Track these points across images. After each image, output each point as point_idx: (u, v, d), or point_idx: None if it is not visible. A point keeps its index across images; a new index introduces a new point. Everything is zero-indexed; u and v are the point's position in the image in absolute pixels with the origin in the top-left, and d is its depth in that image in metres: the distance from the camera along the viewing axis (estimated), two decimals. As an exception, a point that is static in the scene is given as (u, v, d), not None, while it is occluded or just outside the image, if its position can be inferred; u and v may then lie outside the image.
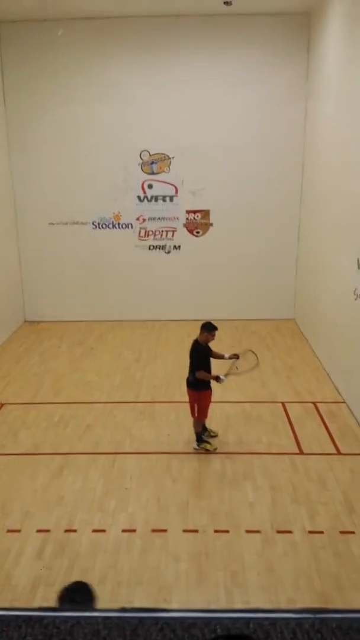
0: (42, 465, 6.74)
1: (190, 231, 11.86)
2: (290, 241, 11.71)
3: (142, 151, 11.41)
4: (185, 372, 6.96)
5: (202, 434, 7.06)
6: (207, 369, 6.83)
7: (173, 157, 11.43)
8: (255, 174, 11.39)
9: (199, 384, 6.78)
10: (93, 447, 7.16)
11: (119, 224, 11.83)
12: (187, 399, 7.00)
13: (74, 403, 8.39)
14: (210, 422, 7.50)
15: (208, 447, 6.98)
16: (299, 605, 4.57)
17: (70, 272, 11.99)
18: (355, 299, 7.74)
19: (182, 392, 8.52)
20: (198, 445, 6.99)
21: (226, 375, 6.83)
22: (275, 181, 11.41)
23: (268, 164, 11.35)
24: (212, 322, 6.89)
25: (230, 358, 6.95)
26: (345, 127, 8.38)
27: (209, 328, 6.79)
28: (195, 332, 11.24)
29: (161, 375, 9.22)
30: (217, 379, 6.72)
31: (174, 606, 4.63)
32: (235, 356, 6.96)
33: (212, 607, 4.59)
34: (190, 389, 6.88)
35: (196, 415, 6.92)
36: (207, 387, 6.87)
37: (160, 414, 7.98)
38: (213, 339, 6.87)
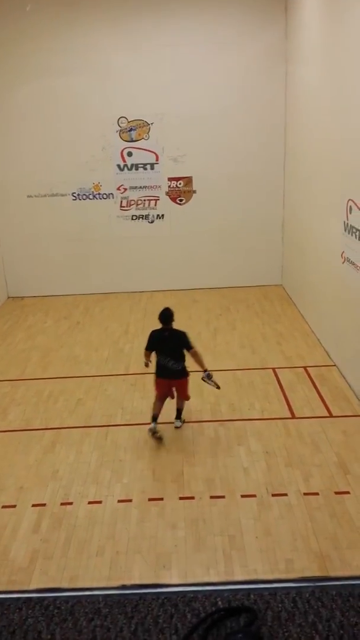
0: (34, 441, 6.72)
1: (173, 199, 11.69)
2: (275, 206, 11.59)
3: (120, 118, 11.14)
4: None
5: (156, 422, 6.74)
6: None
7: (152, 124, 11.18)
8: (237, 140, 11.19)
9: (185, 367, 6.58)
10: (85, 421, 7.14)
11: (99, 194, 11.61)
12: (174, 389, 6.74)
13: (63, 378, 8.34)
14: (202, 391, 7.51)
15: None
16: (297, 566, 4.63)
17: (52, 245, 11.79)
18: (343, 262, 7.71)
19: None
20: (180, 420, 6.90)
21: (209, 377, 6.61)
22: (258, 146, 11.23)
23: (250, 129, 11.14)
24: (168, 309, 6.59)
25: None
26: (327, 89, 8.22)
27: (168, 317, 6.50)
28: (183, 302, 11.28)
29: (150, 346, 9.17)
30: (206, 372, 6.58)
31: (174, 573, 4.67)
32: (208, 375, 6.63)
33: (212, 572, 4.64)
34: (185, 377, 6.61)
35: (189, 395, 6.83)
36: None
37: (151, 385, 7.94)
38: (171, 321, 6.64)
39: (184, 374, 6.59)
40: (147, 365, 6.75)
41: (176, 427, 6.82)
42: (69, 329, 10.31)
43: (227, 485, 5.74)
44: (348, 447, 6.27)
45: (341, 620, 1.01)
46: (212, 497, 5.57)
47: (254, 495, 5.56)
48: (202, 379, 6.61)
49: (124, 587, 1.10)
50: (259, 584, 1.14)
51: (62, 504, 5.58)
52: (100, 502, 5.58)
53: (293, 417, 6.99)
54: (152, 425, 6.59)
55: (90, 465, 6.18)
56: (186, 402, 6.92)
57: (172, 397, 6.77)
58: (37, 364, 8.87)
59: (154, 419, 6.63)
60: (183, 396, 6.80)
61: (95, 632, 1.03)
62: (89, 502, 5.58)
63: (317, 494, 5.53)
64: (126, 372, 8.46)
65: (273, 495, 5.55)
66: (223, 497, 5.57)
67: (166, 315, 6.54)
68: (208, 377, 6.57)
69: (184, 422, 6.92)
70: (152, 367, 6.67)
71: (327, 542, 4.89)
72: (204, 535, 5.06)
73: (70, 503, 5.59)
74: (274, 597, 1.06)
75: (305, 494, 5.55)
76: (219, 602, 1.07)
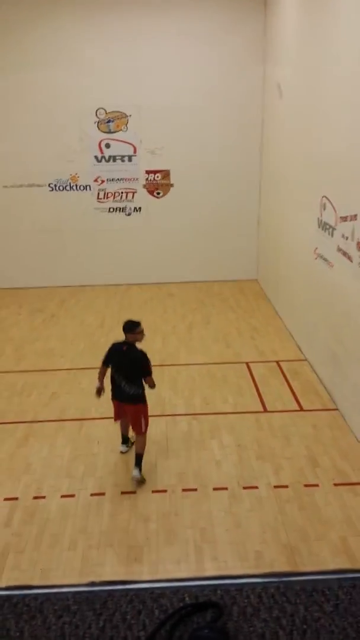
0: (6, 434, 6.68)
1: (151, 192, 11.67)
2: (251, 202, 11.67)
3: (98, 109, 11.07)
4: None
5: (128, 443, 6.23)
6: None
7: (130, 116, 11.14)
8: (215, 135, 11.23)
9: (144, 393, 5.75)
10: (59, 414, 7.13)
11: (76, 185, 11.53)
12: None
13: (37, 371, 8.30)
14: (176, 384, 7.54)
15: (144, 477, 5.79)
16: (266, 559, 4.71)
17: (27, 236, 11.69)
18: (316, 258, 7.80)
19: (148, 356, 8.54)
20: (140, 473, 5.71)
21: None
22: (235, 142, 11.29)
23: (227, 124, 11.20)
24: (133, 320, 5.75)
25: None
26: (304, 86, 8.28)
27: (131, 327, 5.66)
28: (158, 296, 11.30)
29: (125, 340, 9.16)
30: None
31: (145, 566, 4.71)
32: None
33: (182, 565, 4.69)
34: (140, 404, 5.73)
35: (146, 429, 5.83)
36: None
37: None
38: (143, 336, 5.76)
39: (138, 399, 5.70)
40: (99, 391, 5.86)
41: (134, 478, 5.67)
42: (44, 321, 10.25)
43: (200, 478, 5.79)
44: (317, 441, 6.38)
45: (304, 615, 1.05)
46: (184, 489, 5.63)
47: (225, 488, 5.63)
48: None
49: (92, 583, 1.12)
50: (226, 579, 1.18)
51: (34, 497, 5.57)
52: (73, 495, 5.58)
53: (265, 410, 7.07)
54: (121, 447, 6.21)
55: (63, 459, 6.18)
56: (142, 449, 5.76)
57: (123, 421, 6.08)
58: (11, 357, 8.80)
59: (123, 439, 6.22)
60: (136, 429, 5.81)
61: (63, 628, 1.05)
62: (62, 496, 5.58)
63: (286, 486, 5.63)
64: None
65: (244, 488, 5.63)
66: (195, 489, 5.62)
67: (125, 326, 5.69)
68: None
69: (143, 479, 5.71)
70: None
71: (295, 535, 4.98)
72: (175, 528, 5.11)
73: (43, 497, 5.58)
74: (240, 593, 1.10)
75: (275, 486, 5.64)
76: (187, 598, 1.10)
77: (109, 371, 5.82)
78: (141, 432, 5.79)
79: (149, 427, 5.87)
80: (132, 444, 6.18)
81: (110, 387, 5.81)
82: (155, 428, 6.70)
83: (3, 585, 4.46)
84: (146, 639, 1.00)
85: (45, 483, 5.78)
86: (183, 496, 5.54)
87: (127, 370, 5.63)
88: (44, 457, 6.22)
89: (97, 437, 6.59)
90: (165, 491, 5.62)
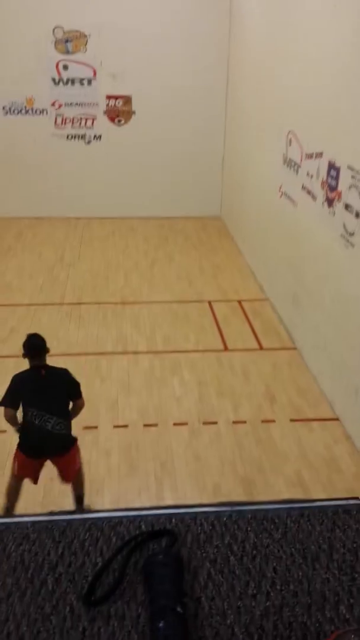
0: (-34, 370, 6.62)
1: (112, 119, 11.22)
2: (216, 134, 11.36)
3: (56, 27, 10.42)
4: None
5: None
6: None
7: (89, 35, 10.54)
8: (179, 61, 10.75)
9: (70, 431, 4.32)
10: (18, 351, 7.03)
11: (32, 109, 10.96)
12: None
13: (-4, 306, 8.16)
14: (138, 322, 7.55)
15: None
16: (224, 490, 4.91)
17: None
18: (280, 197, 7.76)
19: (109, 293, 8.50)
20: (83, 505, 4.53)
21: None
22: (200, 71, 10.84)
23: (193, 52, 10.71)
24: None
25: None
26: (272, 17, 7.97)
27: (42, 345, 4.48)
28: (120, 231, 11.11)
29: (86, 276, 9.06)
30: None
31: (106, 497, 4.85)
32: None
33: (143, 496, 4.85)
34: (72, 447, 4.36)
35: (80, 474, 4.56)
36: None
37: (87, 315, 7.93)
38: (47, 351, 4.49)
39: (68, 442, 4.30)
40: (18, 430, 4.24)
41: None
42: (0, 254, 9.97)
43: (160, 414, 5.91)
44: (276, 379, 6.56)
45: (254, 541, 1.10)
46: (145, 425, 5.74)
47: (185, 424, 5.77)
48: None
49: (52, 513, 1.15)
50: (180, 508, 1.22)
51: (-3, 432, 5.59)
52: (34, 430, 5.62)
53: (226, 349, 7.19)
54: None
55: (24, 395, 6.17)
56: (80, 491, 4.52)
57: (36, 482, 4.44)
58: (-32, 292, 8.61)
59: (7, 510, 4.28)
60: (70, 476, 4.44)
61: (23, 555, 1.08)
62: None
63: (244, 422, 5.80)
64: (61, 301, 8.36)
65: (204, 423, 5.78)
66: (156, 425, 5.75)
67: (37, 344, 4.41)
68: None
69: (89, 510, 4.29)
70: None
71: (252, 467, 5.18)
72: (136, 462, 5.25)
73: (4, 431, 5.61)
74: (194, 521, 1.14)
75: (234, 422, 5.81)
76: (143, 526, 1.13)
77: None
78: (76, 472, 4.45)
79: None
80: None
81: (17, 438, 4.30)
82: (117, 365, 6.75)
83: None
84: (103, 564, 1.03)
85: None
86: (144, 431, 5.66)
87: (52, 401, 4.21)
88: (3, 393, 6.20)
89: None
90: (126, 426, 5.73)
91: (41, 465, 4.38)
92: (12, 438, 5.13)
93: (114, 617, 0.97)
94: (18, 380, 4.31)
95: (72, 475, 4.46)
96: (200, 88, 10.97)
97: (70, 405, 4.37)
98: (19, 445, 4.28)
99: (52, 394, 4.22)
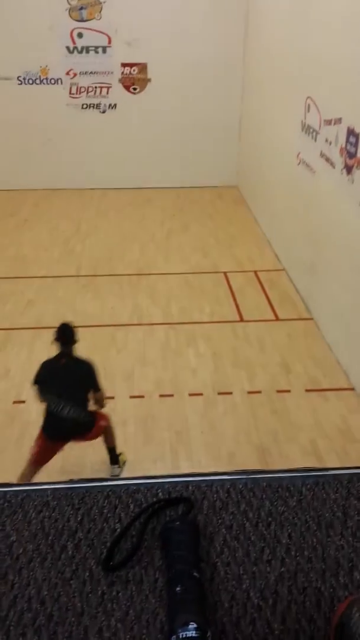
0: (-16, 342, 6.71)
1: (127, 87, 11.04)
2: (232, 102, 11.12)
3: (70, -6, 10.22)
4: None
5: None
6: None
7: (104, 2, 10.30)
8: (196, 28, 10.47)
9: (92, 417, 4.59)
10: (36, 322, 7.14)
11: (47, 79, 10.81)
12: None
13: (12, 278, 8.19)
14: (154, 293, 7.55)
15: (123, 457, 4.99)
16: (238, 459, 4.96)
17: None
18: (298, 164, 7.63)
19: (125, 265, 8.49)
20: (119, 466, 4.93)
21: None
22: (218, 38, 10.55)
23: (210, 19, 10.41)
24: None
25: None
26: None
27: (71, 333, 4.60)
28: (136, 202, 11.03)
29: (103, 248, 9.04)
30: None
31: (124, 466, 4.93)
32: None
33: (159, 464, 4.93)
34: (89, 432, 4.60)
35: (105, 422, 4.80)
36: None
37: (103, 287, 7.94)
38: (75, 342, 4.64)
39: (85, 425, 4.50)
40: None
41: (114, 476, 4.72)
42: (16, 227, 9.98)
43: (176, 385, 5.95)
44: (291, 349, 6.55)
45: (270, 508, 1.11)
46: (161, 395, 5.79)
47: (200, 394, 5.81)
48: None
49: (71, 481, 1.18)
50: (197, 476, 1.25)
51: (14, 402, 5.69)
52: (52, 400, 5.70)
53: (241, 320, 7.18)
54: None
55: (41, 366, 6.25)
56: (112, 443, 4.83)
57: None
58: (-16, 264, 8.65)
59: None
60: (95, 437, 4.70)
61: (43, 522, 1.10)
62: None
63: (259, 392, 5.83)
64: (77, 273, 8.37)
65: (219, 394, 5.81)
66: (172, 395, 5.79)
67: (64, 334, 4.56)
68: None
69: (124, 463, 4.93)
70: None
71: (267, 436, 5.22)
72: (152, 431, 5.31)
73: (23, 401, 5.70)
74: (210, 488, 1.16)
75: (249, 392, 5.83)
76: (160, 494, 1.15)
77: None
78: (102, 430, 4.70)
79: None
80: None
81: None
82: (132, 337, 6.79)
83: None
84: (121, 530, 1.05)
85: (24, 388, 5.86)
86: (160, 401, 5.72)
87: (68, 390, 4.42)
88: (22, 363, 6.29)
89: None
90: (142, 397, 5.78)
91: (58, 450, 4.60)
92: (32, 407, 5.22)
93: (132, 581, 0.99)
94: (42, 365, 4.59)
95: (97, 436, 4.73)
96: (217, 55, 10.70)
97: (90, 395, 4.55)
98: (42, 427, 4.55)
99: (67, 382, 4.42)
